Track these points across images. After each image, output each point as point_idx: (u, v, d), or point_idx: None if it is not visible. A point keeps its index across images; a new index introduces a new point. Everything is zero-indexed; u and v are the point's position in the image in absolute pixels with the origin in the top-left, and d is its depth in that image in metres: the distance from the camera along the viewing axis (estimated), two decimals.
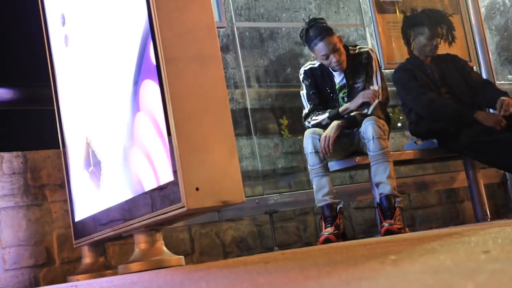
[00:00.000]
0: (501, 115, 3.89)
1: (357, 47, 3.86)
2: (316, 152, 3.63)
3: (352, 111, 3.68)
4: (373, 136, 3.53)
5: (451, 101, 4.05)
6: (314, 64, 3.87)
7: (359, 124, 3.65)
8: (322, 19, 3.81)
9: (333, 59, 3.68)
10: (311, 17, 3.83)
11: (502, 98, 3.97)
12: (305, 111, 3.85)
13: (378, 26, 4.71)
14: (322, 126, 3.72)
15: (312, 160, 3.64)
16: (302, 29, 3.80)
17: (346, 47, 3.81)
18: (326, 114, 3.72)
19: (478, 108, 4.05)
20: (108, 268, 3.35)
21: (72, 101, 3.51)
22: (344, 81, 3.80)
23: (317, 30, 3.70)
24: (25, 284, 3.48)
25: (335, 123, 3.64)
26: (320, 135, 3.65)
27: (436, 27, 4.18)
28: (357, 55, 3.80)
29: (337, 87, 3.82)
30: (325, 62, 3.73)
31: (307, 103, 3.84)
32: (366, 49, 3.83)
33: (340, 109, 3.70)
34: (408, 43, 4.27)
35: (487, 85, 4.25)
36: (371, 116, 3.61)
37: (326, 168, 3.66)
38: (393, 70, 4.62)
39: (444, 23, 4.23)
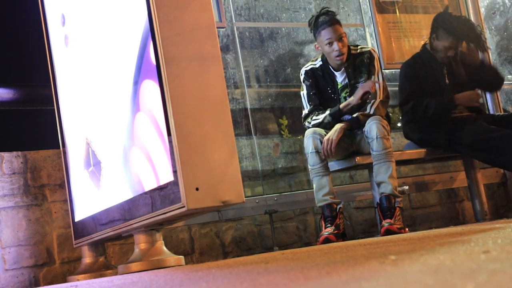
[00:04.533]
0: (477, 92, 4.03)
1: (359, 47, 3.87)
2: (317, 152, 3.63)
3: (353, 106, 3.68)
4: (377, 136, 3.53)
5: (430, 100, 4.03)
6: (315, 64, 3.87)
7: (362, 125, 3.65)
8: (334, 12, 3.83)
9: (336, 47, 3.69)
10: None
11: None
12: (305, 111, 3.85)
13: (378, 26, 4.71)
14: (323, 125, 3.73)
15: (312, 160, 3.64)
16: (312, 16, 3.83)
17: (348, 46, 3.81)
18: (327, 112, 3.73)
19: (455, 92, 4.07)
20: (108, 268, 3.35)
21: (72, 101, 3.52)
22: (346, 80, 3.80)
23: (327, 17, 3.75)
24: (25, 284, 3.48)
25: (338, 125, 3.64)
26: (321, 135, 3.65)
27: (460, 40, 4.08)
28: (359, 55, 3.81)
29: (339, 86, 3.82)
30: (327, 50, 3.73)
31: (307, 103, 3.84)
32: (368, 49, 3.84)
33: (341, 105, 3.70)
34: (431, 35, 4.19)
35: (480, 69, 4.27)
36: (375, 116, 3.62)
37: (326, 168, 3.66)
38: (393, 70, 4.62)
39: (472, 39, 4.10)
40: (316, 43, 3.83)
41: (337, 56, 3.71)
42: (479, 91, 4.07)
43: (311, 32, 3.86)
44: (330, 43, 3.71)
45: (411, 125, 4.14)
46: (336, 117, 3.70)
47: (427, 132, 4.05)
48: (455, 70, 4.20)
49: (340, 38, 3.71)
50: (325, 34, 3.71)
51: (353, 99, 3.68)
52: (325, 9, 3.81)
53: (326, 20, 3.73)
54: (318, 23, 3.75)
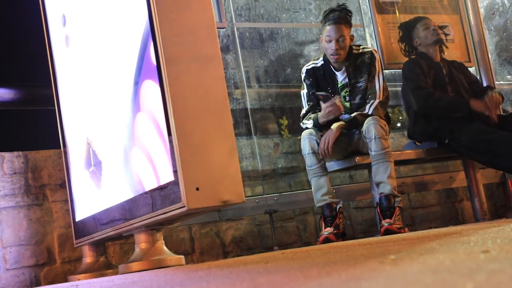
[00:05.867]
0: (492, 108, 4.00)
1: (361, 47, 3.88)
2: (314, 152, 3.64)
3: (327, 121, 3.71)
4: (375, 136, 3.54)
5: (447, 94, 4.08)
6: (316, 63, 3.88)
7: (360, 125, 3.66)
8: (351, 12, 3.84)
9: (332, 46, 3.72)
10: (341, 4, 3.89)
11: (490, 92, 4.06)
12: (303, 111, 3.88)
13: (377, 27, 4.71)
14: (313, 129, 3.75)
15: (310, 161, 3.65)
16: (328, 8, 3.87)
17: (350, 46, 3.82)
18: (311, 122, 3.75)
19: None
20: (108, 268, 3.36)
21: (73, 101, 3.52)
22: (347, 80, 3.81)
23: (339, 14, 3.76)
24: (26, 283, 3.48)
25: (335, 125, 3.65)
26: (317, 136, 3.66)
27: (424, 19, 4.34)
28: (360, 55, 3.81)
29: (339, 86, 3.83)
30: (325, 46, 3.78)
31: (306, 103, 3.86)
32: (370, 49, 3.84)
33: (320, 121, 3.71)
34: (411, 46, 4.31)
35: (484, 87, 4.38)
36: (373, 116, 3.62)
37: (324, 168, 3.67)
38: (393, 70, 4.63)
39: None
40: (321, 35, 3.87)
41: (331, 55, 3.75)
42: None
43: (321, 23, 3.88)
44: (329, 41, 3.74)
45: (416, 118, 4.13)
46: (318, 127, 3.72)
47: (432, 123, 4.06)
48: (454, 71, 4.23)
49: (340, 39, 3.71)
50: (328, 30, 3.75)
51: (322, 118, 3.69)
52: (341, 6, 3.83)
53: (334, 17, 3.75)
54: (327, 17, 3.78)
